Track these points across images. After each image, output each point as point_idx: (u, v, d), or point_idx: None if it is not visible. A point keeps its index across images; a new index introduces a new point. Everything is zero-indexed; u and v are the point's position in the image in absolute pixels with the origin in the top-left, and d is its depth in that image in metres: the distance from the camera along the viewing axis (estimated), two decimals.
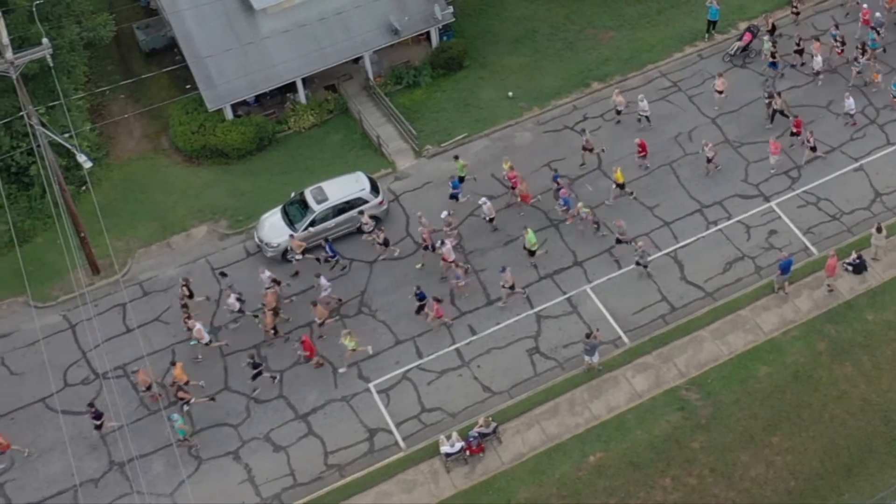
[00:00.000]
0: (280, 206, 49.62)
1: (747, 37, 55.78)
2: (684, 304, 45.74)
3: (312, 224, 48.56)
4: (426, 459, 41.91)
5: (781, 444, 41.30)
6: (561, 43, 57.48)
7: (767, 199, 49.24)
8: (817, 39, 54.39)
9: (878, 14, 55.31)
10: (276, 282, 46.41)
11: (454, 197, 49.77)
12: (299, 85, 54.73)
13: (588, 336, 43.41)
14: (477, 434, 41.73)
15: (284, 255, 48.38)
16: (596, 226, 48.25)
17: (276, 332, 45.55)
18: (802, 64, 54.77)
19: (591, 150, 50.87)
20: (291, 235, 47.82)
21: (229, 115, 53.81)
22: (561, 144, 52.26)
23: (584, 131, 51.05)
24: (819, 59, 53.36)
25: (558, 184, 49.16)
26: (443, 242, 46.58)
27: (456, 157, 50.46)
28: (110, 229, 48.44)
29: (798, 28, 56.63)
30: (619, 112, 52.79)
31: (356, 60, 56.13)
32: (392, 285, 47.28)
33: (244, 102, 54.75)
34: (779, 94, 52.06)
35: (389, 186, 51.24)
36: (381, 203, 49.64)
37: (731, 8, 58.32)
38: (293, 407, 43.78)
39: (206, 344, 45.01)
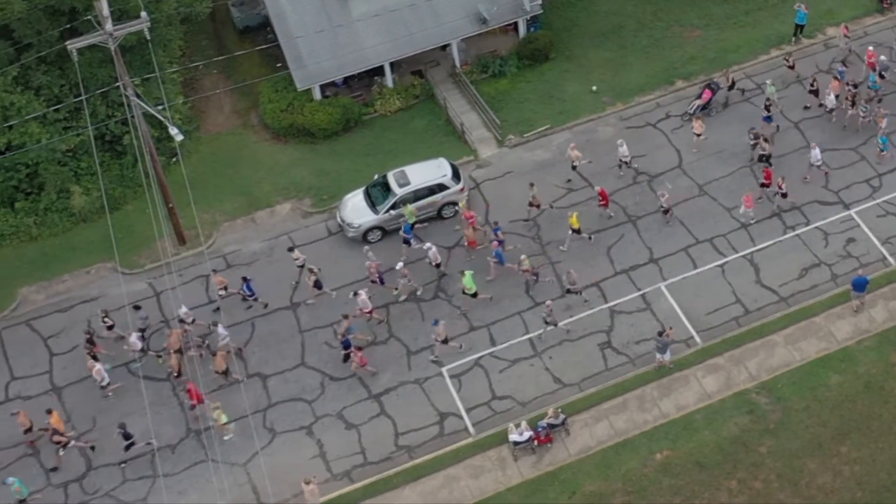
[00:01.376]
0: (363, 188, 49.33)
1: (707, 94, 51.92)
2: (758, 308, 44.79)
3: (394, 207, 48.22)
4: (494, 446, 41.46)
5: (850, 453, 40.34)
6: (647, 39, 56.51)
7: (847, 207, 48.05)
8: (836, 78, 51.55)
9: (883, 58, 52.36)
10: (183, 322, 44.22)
11: (406, 242, 47.25)
12: (387, 69, 54.32)
13: (660, 334, 42.68)
14: (546, 424, 41.23)
15: (365, 237, 48.11)
16: (535, 277, 45.78)
17: (179, 374, 43.27)
18: (820, 105, 51.60)
19: (537, 207, 48.05)
20: (214, 271, 46.03)
21: (317, 95, 53.53)
22: (642, 141, 51.35)
23: (532, 185, 48.06)
24: (832, 96, 50.70)
25: (497, 236, 46.24)
26: (356, 293, 44.54)
27: (404, 204, 47.84)
28: (197, 201, 48.44)
29: (795, 70, 53.70)
30: (574, 168, 49.70)
31: (444, 47, 55.57)
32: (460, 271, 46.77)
33: (332, 83, 54.43)
34: (765, 138, 49.26)
35: (471, 174, 50.69)
36: (461, 190, 49.13)
37: (819, 12, 56.98)
38: (366, 386, 43.53)
39: (103, 387, 43.21)
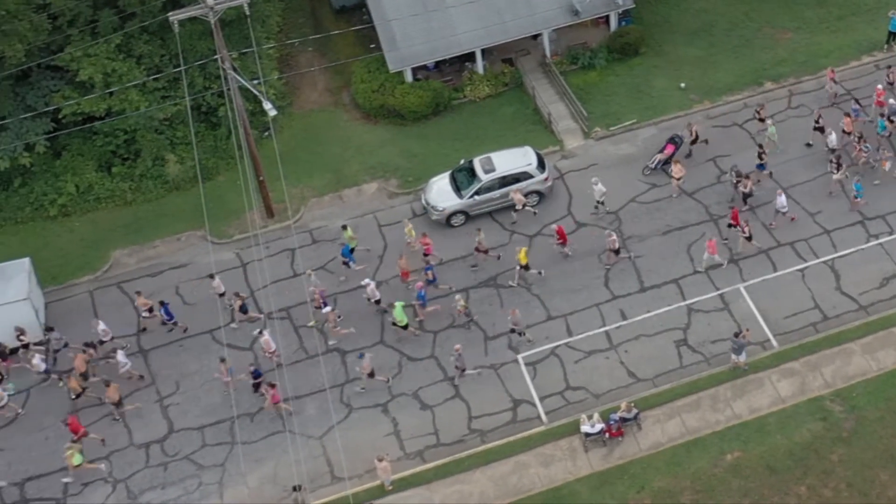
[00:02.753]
0: (449, 172, 48.66)
1: (669, 148, 48.71)
2: (837, 315, 43.49)
3: (478, 193, 47.52)
4: (566, 436, 40.71)
5: None
6: (738, 39, 55.03)
7: None
8: (847, 115, 48.54)
9: (892, 101, 49.08)
10: (88, 345, 42.69)
11: (345, 263, 45.55)
12: (478, 55, 53.51)
13: (737, 335, 41.62)
14: (618, 418, 40.42)
15: (449, 220, 47.48)
16: (468, 318, 44.05)
17: (77, 396, 41.62)
18: (827, 147, 48.11)
19: (485, 252, 45.76)
20: (138, 293, 44.25)
21: (409, 77, 52.88)
22: (728, 140, 50.03)
23: (479, 231, 45.61)
24: (833, 136, 47.67)
25: (427, 275, 44.49)
26: (260, 332, 42.72)
27: (344, 227, 46.01)
28: (287, 176, 48.02)
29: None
30: (516, 210, 47.14)
31: (535, 37, 54.62)
32: (550, 261, 45.94)
33: (424, 67, 53.73)
34: (747, 176, 46.67)
35: (556, 164, 49.79)
36: (545, 180, 48.28)
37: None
38: (443, 368, 42.95)
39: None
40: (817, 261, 45.25)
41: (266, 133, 50.37)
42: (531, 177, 47.94)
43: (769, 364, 42.13)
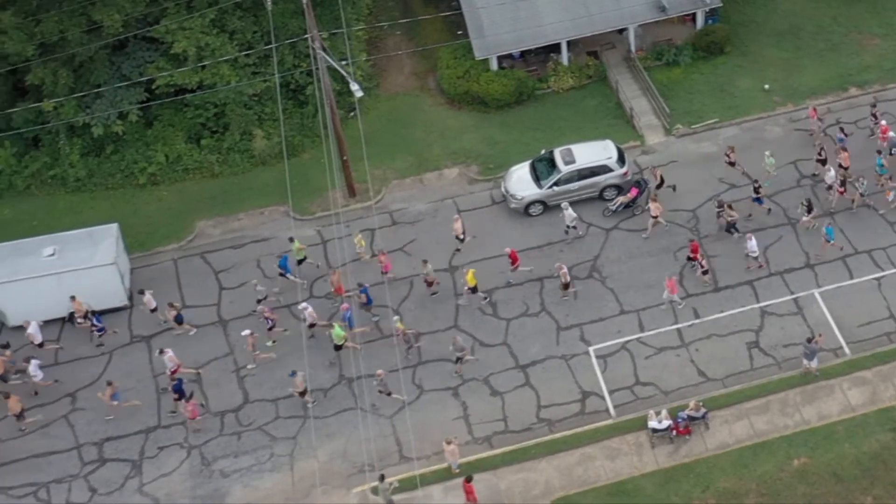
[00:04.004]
0: (529, 161, 47.87)
1: (633, 191, 46.46)
2: None
3: (557, 184, 46.70)
4: (633, 431, 39.90)
5: None
6: (824, 43, 53.52)
7: None
8: (844, 149, 46.21)
9: (892, 134, 46.79)
10: (4, 346, 41.70)
11: (282, 274, 44.03)
12: (563, 47, 52.54)
13: (810, 340, 40.46)
14: (686, 416, 39.51)
15: (527, 210, 46.73)
16: (408, 345, 42.07)
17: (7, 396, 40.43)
18: (824, 182, 45.97)
19: (430, 284, 43.87)
20: (72, 297, 42.82)
21: (494, 65, 52.09)
22: (809, 144, 48.67)
23: (426, 263, 43.64)
24: (832, 172, 45.44)
25: (361, 297, 42.94)
26: (161, 351, 41.04)
27: (291, 239, 44.61)
28: (370, 157, 47.61)
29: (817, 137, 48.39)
30: (460, 240, 45.15)
31: (621, 31, 53.53)
32: (626, 255, 45.07)
33: (509, 56, 52.90)
34: (729, 205, 44.72)
35: (635, 159, 48.77)
36: (624, 174, 47.31)
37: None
38: (515, 356, 42.32)
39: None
40: (895, 270, 43.89)
41: (351, 113, 49.89)
42: (610, 170, 47.02)
43: (841, 371, 40.95)
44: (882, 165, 46.01)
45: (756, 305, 43.18)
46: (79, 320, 43.20)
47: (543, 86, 52.32)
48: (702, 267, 43.54)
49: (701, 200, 46.82)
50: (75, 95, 48.34)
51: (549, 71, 52.61)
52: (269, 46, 48.66)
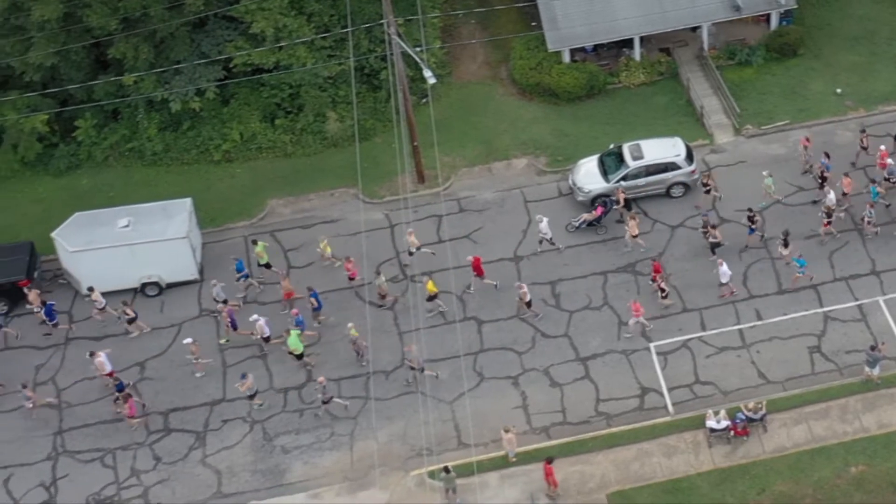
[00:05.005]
0: (598, 155, 47.04)
1: (598, 211, 44.89)
2: None
3: (624, 179, 45.87)
4: (690, 429, 39.13)
5: None
6: None
7: None
8: (846, 175, 44.41)
9: (890, 161, 44.94)
10: None
11: (240, 279, 43.29)
12: (636, 42, 51.55)
13: (873, 348, 39.41)
14: (745, 417, 38.70)
15: (593, 203, 45.95)
16: (358, 353, 41.20)
17: None
18: (825, 205, 43.74)
19: (384, 297, 42.94)
20: (29, 289, 42.40)
21: (566, 58, 51.22)
22: (876, 149, 47.13)
23: (379, 274, 43.02)
24: (832, 195, 43.50)
25: (311, 302, 41.89)
26: (92, 353, 40.02)
27: (254, 242, 43.78)
28: (440, 144, 47.05)
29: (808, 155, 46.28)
30: (411, 253, 43.80)
31: (694, 29, 52.36)
32: (690, 253, 44.14)
33: (582, 49, 51.98)
34: (713, 226, 43.37)
35: (704, 158, 47.72)
36: (692, 172, 46.36)
37: None
38: (575, 348, 41.67)
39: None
40: None
41: (424, 100, 49.30)
42: (678, 168, 46.08)
43: None
44: (878, 194, 44.07)
45: (819, 310, 42.14)
46: (36, 309, 42.38)
47: (614, 80, 51.38)
48: (661, 290, 42.08)
49: (768, 202, 45.71)
50: (155, 71, 48.29)
51: (621, 66, 51.67)
52: (346, 30, 48.18)
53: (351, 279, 43.21)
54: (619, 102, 50.53)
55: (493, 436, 39.05)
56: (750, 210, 43.78)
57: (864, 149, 46.21)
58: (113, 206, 45.76)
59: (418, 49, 46.73)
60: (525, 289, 41.85)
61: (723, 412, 38.80)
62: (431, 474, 38.25)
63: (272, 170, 48.52)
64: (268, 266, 43.77)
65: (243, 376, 39.83)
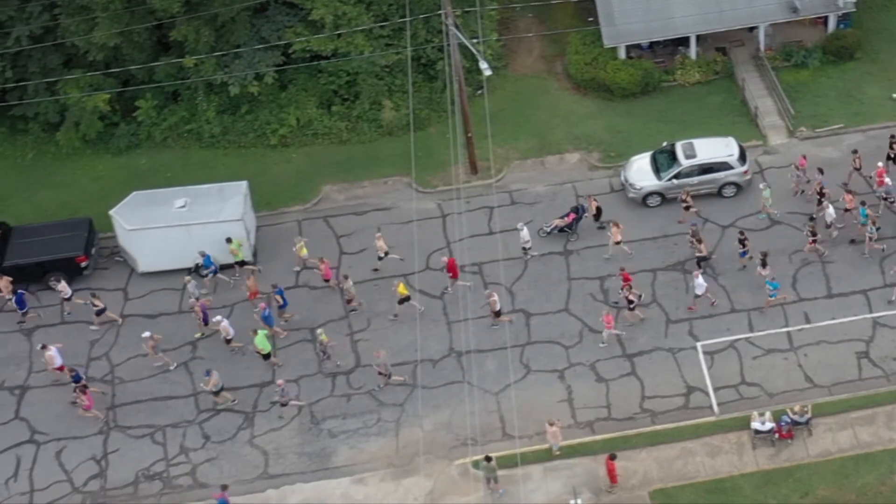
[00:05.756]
0: (650, 152, 46.32)
1: (570, 217, 43.86)
2: None
3: (676, 177, 45.14)
4: (735, 430, 38.45)
5: None
6: None
7: None
8: (849, 191, 43.40)
9: (888, 180, 43.47)
10: None
11: (214, 272, 42.76)
12: (692, 41, 50.68)
13: None
14: (790, 420, 37.98)
15: (645, 200, 45.28)
16: (326, 355, 40.57)
17: None
18: (825, 221, 42.87)
19: (350, 301, 41.99)
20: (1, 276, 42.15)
21: (622, 54, 50.47)
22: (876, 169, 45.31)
23: (346, 278, 41.81)
24: (831, 210, 42.47)
25: (277, 299, 41.49)
26: (43, 346, 39.51)
27: (228, 240, 42.71)
28: (494, 135, 46.42)
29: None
30: (380, 258, 43.04)
31: (751, 29, 51.42)
32: (740, 253, 43.36)
33: (638, 46, 51.17)
34: (699, 239, 42.18)
35: (756, 158, 46.84)
36: (745, 173, 45.53)
37: None
38: (622, 345, 41.07)
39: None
40: None
41: (479, 91, 48.80)
42: (731, 168, 45.27)
43: None
44: (866, 216, 42.66)
45: (869, 315, 41.25)
46: (8, 297, 42.04)
47: (669, 78, 50.56)
48: (628, 301, 41.09)
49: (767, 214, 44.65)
50: (215, 54, 48.12)
51: (677, 64, 50.83)
52: (404, 20, 47.74)
53: (325, 280, 42.59)
54: (674, 100, 49.72)
55: (537, 428, 38.61)
56: (742, 233, 42.52)
57: (857, 170, 44.94)
58: (170, 186, 45.71)
59: (475, 41, 46.22)
60: (495, 297, 40.98)
61: (768, 414, 38.12)
62: (475, 464, 37.87)
63: (327, 156, 48.22)
64: (241, 264, 43.25)
65: (207, 373, 39.33)
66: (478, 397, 39.58)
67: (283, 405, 39.28)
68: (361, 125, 48.95)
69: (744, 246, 42.28)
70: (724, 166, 45.28)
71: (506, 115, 48.94)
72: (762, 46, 51.21)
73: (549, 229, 44.25)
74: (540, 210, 45.40)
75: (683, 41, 50.96)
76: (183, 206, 43.67)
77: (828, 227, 43.10)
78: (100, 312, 42.15)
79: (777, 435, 38.03)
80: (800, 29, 51.77)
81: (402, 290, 41.52)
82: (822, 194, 43.53)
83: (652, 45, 51.47)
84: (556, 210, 45.18)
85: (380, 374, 39.81)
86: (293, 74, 49.52)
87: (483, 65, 43.78)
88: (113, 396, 40.53)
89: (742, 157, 45.67)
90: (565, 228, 44.20)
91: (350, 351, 41.33)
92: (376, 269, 43.43)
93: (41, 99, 48.35)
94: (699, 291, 41.22)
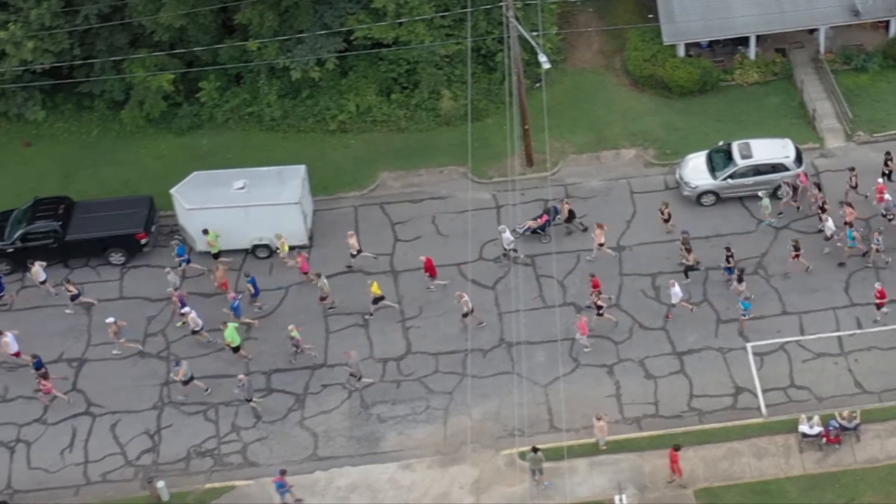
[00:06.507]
0: (706, 151, 45.47)
1: (543, 219, 43.07)
2: None
3: (732, 177, 44.30)
4: (782, 433, 37.69)
5: None
6: None
7: None
8: (850, 205, 41.99)
9: (888, 196, 42.26)
10: None
11: (181, 264, 42.36)
12: (752, 41, 49.67)
13: None
14: (838, 425, 37.17)
15: (699, 199, 44.48)
16: (297, 349, 39.72)
17: None
18: (824, 233, 41.97)
19: (323, 299, 41.39)
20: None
21: (681, 52, 49.55)
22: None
23: (319, 276, 41.14)
24: (830, 223, 41.44)
25: (249, 288, 41.00)
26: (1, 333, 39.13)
27: (205, 231, 42.35)
28: (551, 129, 45.80)
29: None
30: (353, 256, 42.41)
31: (811, 31, 50.32)
32: (808, 258, 42.36)
33: (697, 44, 50.23)
34: (688, 248, 41.29)
35: (812, 161, 45.85)
36: (800, 175, 44.53)
37: None
38: (672, 342, 40.39)
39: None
40: None
41: (537, 84, 48.10)
42: (787, 169, 44.34)
43: None
44: (853, 238, 41.50)
45: None
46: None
47: (728, 78, 49.58)
48: (597, 307, 40.09)
49: (874, 211, 43.67)
50: (278, 38, 47.75)
51: (735, 63, 49.84)
52: (465, 10, 47.13)
53: (303, 273, 42.04)
54: (731, 100, 48.77)
55: (584, 422, 38.07)
56: (728, 249, 41.31)
57: (854, 188, 43.77)
58: (230, 167, 45.50)
59: (535, 34, 45.60)
60: (465, 297, 40.27)
61: (816, 418, 37.35)
62: (522, 455, 37.42)
63: (385, 143, 47.81)
64: (216, 256, 42.87)
65: (177, 363, 39.02)
66: (526, 389, 39.12)
67: (247, 400, 38.84)
68: (420, 114, 48.48)
69: (729, 263, 41.13)
70: (780, 167, 44.38)
71: (563, 109, 48.25)
72: (822, 49, 50.11)
73: (522, 230, 43.18)
74: (594, 205, 44.74)
75: (743, 41, 49.99)
76: (242, 188, 43.45)
77: (827, 239, 42.03)
78: (74, 298, 41.78)
79: (825, 439, 37.25)
80: (860, 32, 50.59)
81: (375, 289, 40.82)
82: (823, 209, 42.53)
83: (711, 43, 50.52)
84: (609, 205, 44.60)
85: (351, 374, 39.25)
86: (354, 61, 49.12)
87: (542, 58, 43.20)
88: (168, 373, 40.46)
89: (798, 159, 44.74)
90: (538, 230, 43.39)
91: (402, 338, 40.98)
92: (349, 267, 42.81)
93: (107, 77, 48.35)
94: (674, 300, 40.36)
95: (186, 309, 40.45)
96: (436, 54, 48.48)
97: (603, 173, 46.06)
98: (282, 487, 36.11)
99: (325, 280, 41.33)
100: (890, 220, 42.63)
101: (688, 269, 41.70)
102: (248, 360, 40.37)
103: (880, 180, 43.39)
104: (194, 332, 40.65)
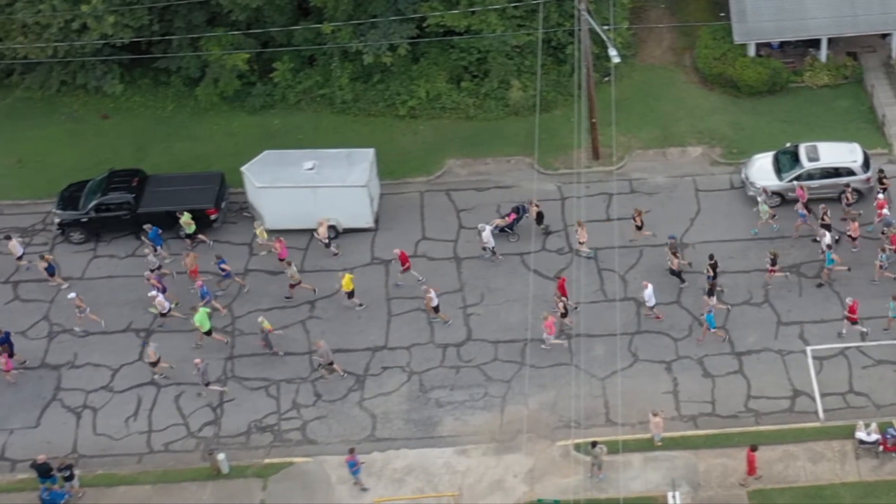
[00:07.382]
0: (773, 152, 44.42)
1: (511, 217, 42.26)
2: None
3: (798, 179, 43.24)
4: (839, 438, 36.80)
5: None
6: None
7: None
8: (853, 220, 41.30)
9: (886, 211, 41.27)
10: None
11: (154, 248, 41.73)
12: (823, 43, 48.41)
13: None
14: (895, 433, 36.26)
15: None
16: (267, 346, 39.27)
17: None
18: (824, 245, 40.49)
19: (293, 287, 40.78)
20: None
21: (751, 52, 48.41)
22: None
23: (290, 265, 40.77)
24: (828, 237, 40.26)
25: (220, 269, 40.58)
26: None
27: (182, 213, 42.11)
28: (618, 123, 44.81)
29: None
30: (327, 245, 42.08)
31: (884, 36, 48.95)
32: (855, 262, 41.15)
33: (768, 44, 49.04)
34: (675, 253, 40.34)
35: (881, 167, 44.52)
36: (867, 180, 43.42)
37: None
38: (731, 342, 39.55)
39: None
40: None
41: (606, 78, 47.23)
42: (853, 174, 43.21)
43: None
44: (832, 261, 40.18)
45: None
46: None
47: (798, 79, 48.37)
48: (561, 305, 39.09)
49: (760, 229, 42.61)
50: (352, 22, 47.32)
51: (806, 65, 48.60)
52: (537, 2, 46.35)
53: (280, 259, 41.45)
54: (800, 102, 47.61)
55: (640, 417, 37.47)
56: (711, 258, 40.18)
57: (849, 205, 42.58)
58: (300, 148, 45.21)
59: (606, 27, 44.68)
60: (431, 293, 39.59)
61: (874, 425, 36.46)
62: (577, 447, 36.90)
63: (453, 130, 47.24)
64: (191, 237, 42.63)
65: (144, 343, 39.17)
66: (584, 381, 38.54)
67: (206, 385, 38.52)
68: (489, 103, 47.86)
69: (712, 272, 39.95)
70: (846, 171, 43.26)
71: (631, 104, 47.37)
72: (894, 54, 48.75)
73: (490, 228, 42.06)
74: (659, 201, 43.95)
75: (814, 43, 48.73)
76: (311, 168, 43.16)
77: (828, 248, 40.70)
78: (50, 270, 41.60)
79: (882, 447, 36.33)
80: None
81: (346, 284, 40.24)
82: (826, 222, 41.34)
83: (782, 44, 49.29)
84: (674, 202, 43.80)
85: (319, 365, 38.77)
86: (425, 48, 48.58)
87: (612, 52, 42.39)
88: (232, 347, 40.35)
89: (866, 164, 43.58)
90: (506, 228, 42.59)
91: (462, 324, 40.54)
92: (336, 254, 42.61)
93: (184, 54, 48.21)
94: (650, 303, 39.55)
95: (154, 293, 40.04)
96: (507, 44, 47.78)
97: (668, 170, 45.19)
98: (354, 466, 35.84)
99: (294, 268, 40.90)
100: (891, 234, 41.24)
101: (675, 273, 40.65)
102: (226, 342, 40.01)
103: (881, 196, 42.15)
104: (162, 315, 40.36)
